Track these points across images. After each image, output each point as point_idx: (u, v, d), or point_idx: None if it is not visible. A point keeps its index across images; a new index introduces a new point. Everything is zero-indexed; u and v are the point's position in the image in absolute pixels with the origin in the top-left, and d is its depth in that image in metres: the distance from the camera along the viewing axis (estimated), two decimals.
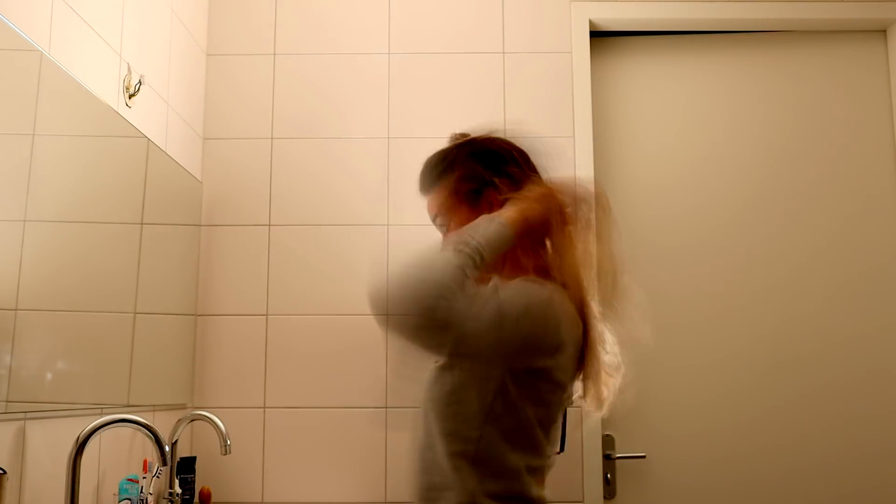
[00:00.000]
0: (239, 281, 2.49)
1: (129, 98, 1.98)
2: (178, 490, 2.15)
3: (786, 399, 2.50)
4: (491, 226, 1.33)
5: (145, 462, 1.95)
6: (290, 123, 2.56)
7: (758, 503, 2.46)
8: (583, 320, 1.40)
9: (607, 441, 2.45)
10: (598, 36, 2.65)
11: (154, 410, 2.14)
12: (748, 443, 2.48)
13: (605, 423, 2.42)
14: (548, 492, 1.39)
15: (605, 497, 2.42)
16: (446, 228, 1.49)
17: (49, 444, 1.59)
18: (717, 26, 2.63)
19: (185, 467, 2.25)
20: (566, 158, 2.51)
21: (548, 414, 1.35)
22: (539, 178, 1.47)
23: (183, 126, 2.37)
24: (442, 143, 1.60)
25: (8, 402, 1.44)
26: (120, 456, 1.94)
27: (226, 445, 2.07)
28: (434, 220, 1.53)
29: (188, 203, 2.41)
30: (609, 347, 1.44)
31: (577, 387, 1.44)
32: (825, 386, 2.50)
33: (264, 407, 2.44)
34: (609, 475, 2.44)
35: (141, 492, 1.87)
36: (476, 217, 1.37)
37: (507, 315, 1.28)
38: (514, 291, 1.32)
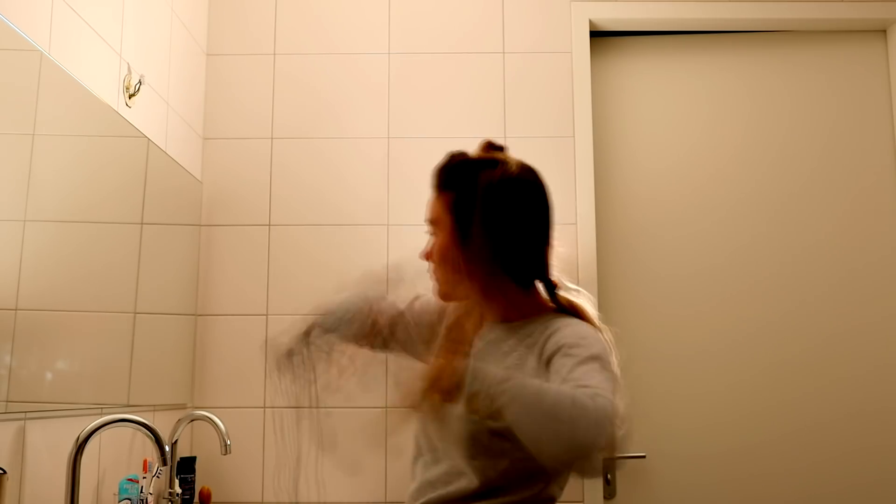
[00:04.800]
0: (239, 281, 2.49)
1: (129, 98, 1.98)
2: (178, 490, 2.15)
3: (786, 397, 2.50)
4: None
5: (145, 462, 1.95)
6: (290, 123, 2.56)
7: (758, 502, 2.46)
8: None
9: None
10: (598, 36, 2.65)
11: (154, 410, 2.14)
12: (748, 442, 2.48)
13: None
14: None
15: (605, 497, 2.42)
16: (432, 233, 1.47)
17: (49, 444, 1.59)
18: (717, 26, 2.63)
19: (185, 467, 2.25)
20: (566, 158, 2.51)
21: None
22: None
23: (183, 126, 2.37)
24: (442, 143, 1.59)
25: (8, 402, 1.44)
26: (120, 456, 1.94)
27: (226, 445, 2.07)
28: (426, 221, 1.50)
29: (188, 203, 2.41)
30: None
31: None
32: (824, 383, 2.51)
33: (264, 407, 2.44)
34: (609, 475, 2.44)
35: (141, 492, 1.87)
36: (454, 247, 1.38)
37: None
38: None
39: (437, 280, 1.48)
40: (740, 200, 2.59)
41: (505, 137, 2.51)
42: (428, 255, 1.49)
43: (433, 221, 1.47)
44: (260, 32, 2.59)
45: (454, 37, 2.59)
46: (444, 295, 1.47)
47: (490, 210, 1.39)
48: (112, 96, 1.90)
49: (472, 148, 1.52)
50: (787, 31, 2.66)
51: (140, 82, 2.01)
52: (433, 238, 1.47)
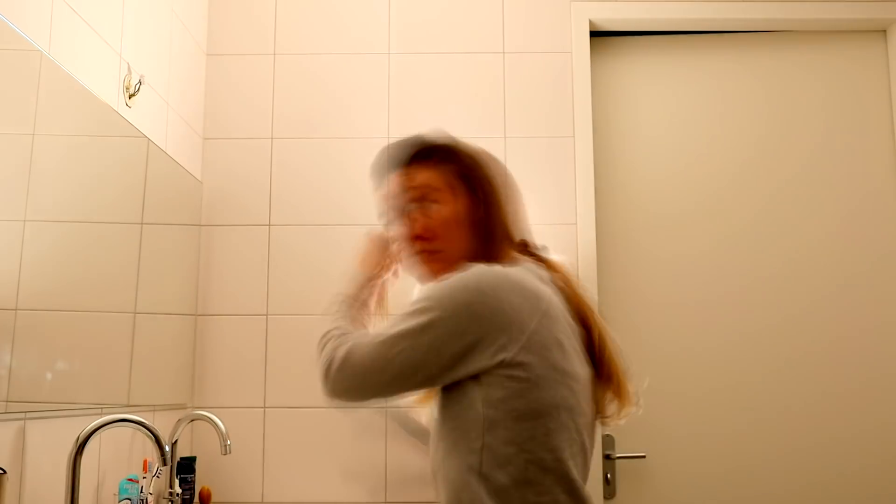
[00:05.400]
0: (239, 281, 2.49)
1: (129, 98, 1.98)
2: (178, 490, 2.15)
3: (786, 397, 2.50)
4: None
5: (145, 462, 1.95)
6: (290, 123, 2.56)
7: (758, 502, 2.46)
8: (585, 321, 1.37)
9: (607, 441, 2.45)
10: (598, 36, 2.65)
11: (154, 410, 2.14)
12: (748, 442, 2.48)
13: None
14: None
15: (605, 497, 2.42)
16: (419, 206, 1.44)
17: (49, 444, 1.59)
18: (717, 26, 2.63)
19: (185, 467, 2.25)
20: (566, 158, 2.51)
21: (551, 415, 1.26)
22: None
23: (183, 126, 2.37)
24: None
25: (8, 402, 1.44)
26: (120, 456, 1.94)
27: (226, 445, 2.07)
28: (406, 192, 1.46)
29: (188, 203, 2.41)
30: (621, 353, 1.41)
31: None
32: (825, 384, 2.51)
33: (264, 407, 2.44)
34: (609, 475, 2.44)
35: (141, 492, 1.87)
36: (467, 212, 1.42)
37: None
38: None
39: (434, 253, 1.43)
40: (740, 200, 2.59)
41: (505, 137, 2.51)
42: (424, 231, 1.43)
43: (421, 191, 1.43)
44: (260, 32, 2.60)
45: (454, 37, 2.59)
46: (441, 269, 1.40)
47: (492, 175, 1.47)
48: (112, 96, 1.90)
49: None
50: (787, 31, 2.66)
51: (140, 82, 2.01)
52: (420, 213, 1.43)
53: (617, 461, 2.46)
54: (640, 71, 2.67)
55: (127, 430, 1.95)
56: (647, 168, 2.61)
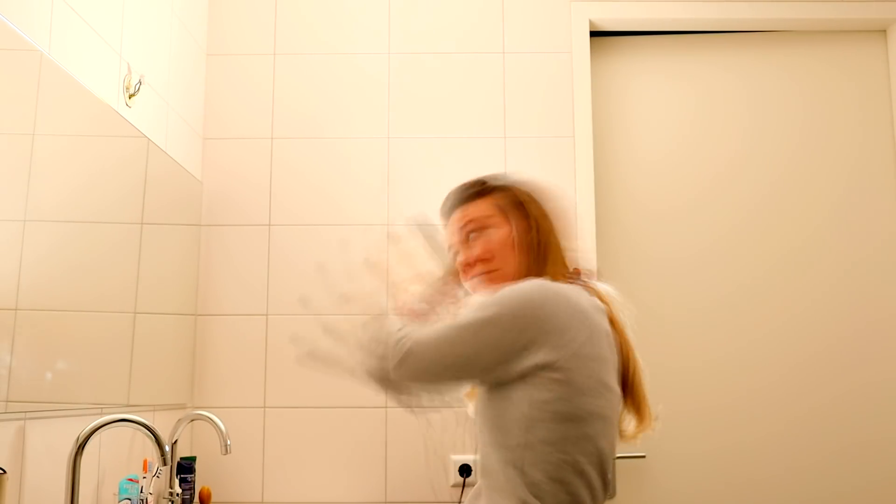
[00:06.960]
0: (239, 281, 2.49)
1: (129, 98, 1.98)
2: (178, 490, 2.15)
3: (787, 396, 2.50)
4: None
5: (145, 462, 1.95)
6: (290, 123, 2.56)
7: (758, 502, 2.46)
8: (623, 345, 1.51)
9: None
10: (598, 36, 2.65)
11: (154, 410, 2.14)
12: (748, 443, 2.48)
13: None
14: None
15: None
16: (477, 236, 1.54)
17: (49, 444, 1.59)
18: (717, 26, 2.64)
19: (185, 467, 2.25)
20: (566, 158, 2.51)
21: (588, 421, 1.37)
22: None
23: (183, 126, 2.37)
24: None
25: (8, 402, 1.44)
26: (120, 456, 1.94)
27: (226, 445, 2.07)
28: (463, 228, 1.55)
29: (188, 203, 2.41)
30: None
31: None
32: (827, 382, 2.50)
33: (264, 407, 2.44)
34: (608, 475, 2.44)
35: (141, 492, 1.87)
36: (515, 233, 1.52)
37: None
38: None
39: (493, 272, 1.52)
40: (740, 200, 2.59)
41: (505, 137, 2.51)
42: (476, 258, 1.53)
43: (478, 222, 1.53)
44: (260, 32, 2.60)
45: (454, 37, 2.59)
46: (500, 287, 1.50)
47: (542, 200, 1.59)
48: (112, 96, 1.90)
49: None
50: (787, 31, 2.66)
51: (140, 82, 2.01)
52: (474, 243, 1.54)
53: (617, 461, 2.45)
54: (640, 71, 2.67)
55: (127, 430, 1.95)
56: (647, 168, 2.61)
